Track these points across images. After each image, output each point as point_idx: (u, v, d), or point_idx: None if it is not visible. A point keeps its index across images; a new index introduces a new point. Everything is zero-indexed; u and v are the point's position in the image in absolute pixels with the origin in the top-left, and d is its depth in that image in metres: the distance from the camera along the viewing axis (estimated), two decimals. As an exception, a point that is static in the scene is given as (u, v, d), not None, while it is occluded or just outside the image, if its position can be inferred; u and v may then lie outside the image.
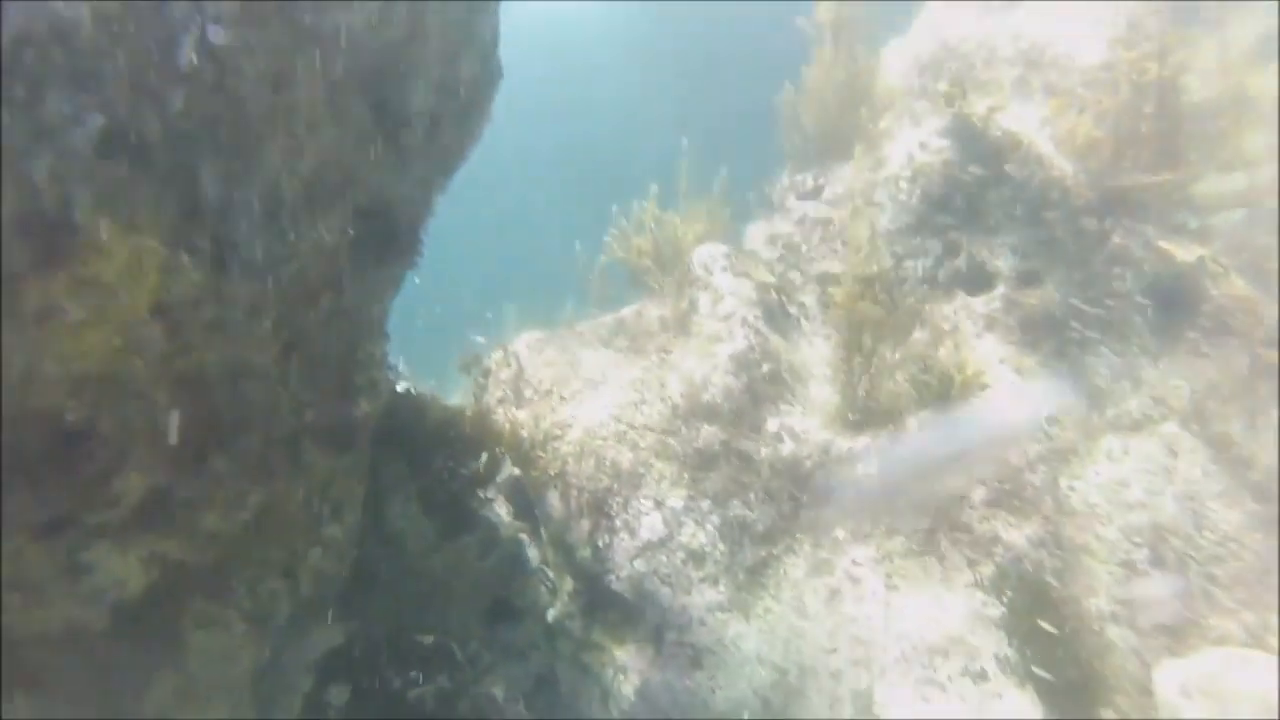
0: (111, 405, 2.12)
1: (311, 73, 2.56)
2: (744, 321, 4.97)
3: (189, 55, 2.07)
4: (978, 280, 5.10)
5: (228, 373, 2.67)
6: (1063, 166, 4.98)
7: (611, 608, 4.73)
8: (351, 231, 3.05)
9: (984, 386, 4.48)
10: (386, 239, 3.54)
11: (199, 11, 2.12)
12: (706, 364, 4.91)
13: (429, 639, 4.20)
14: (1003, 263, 5.00)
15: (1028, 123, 5.15)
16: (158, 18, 2.05)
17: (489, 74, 3.80)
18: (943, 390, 4.42)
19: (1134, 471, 4.74)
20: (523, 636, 5.05)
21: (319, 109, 2.68)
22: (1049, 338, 4.95)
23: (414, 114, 3.27)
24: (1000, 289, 5.00)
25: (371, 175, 3.21)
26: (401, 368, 9.36)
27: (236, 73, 2.26)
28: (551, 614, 5.08)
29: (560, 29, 21.12)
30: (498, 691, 4.43)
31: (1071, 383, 4.94)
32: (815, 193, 5.69)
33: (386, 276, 3.75)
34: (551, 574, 5.20)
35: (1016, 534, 4.20)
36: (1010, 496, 4.27)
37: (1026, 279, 5.00)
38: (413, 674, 4.03)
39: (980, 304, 5.04)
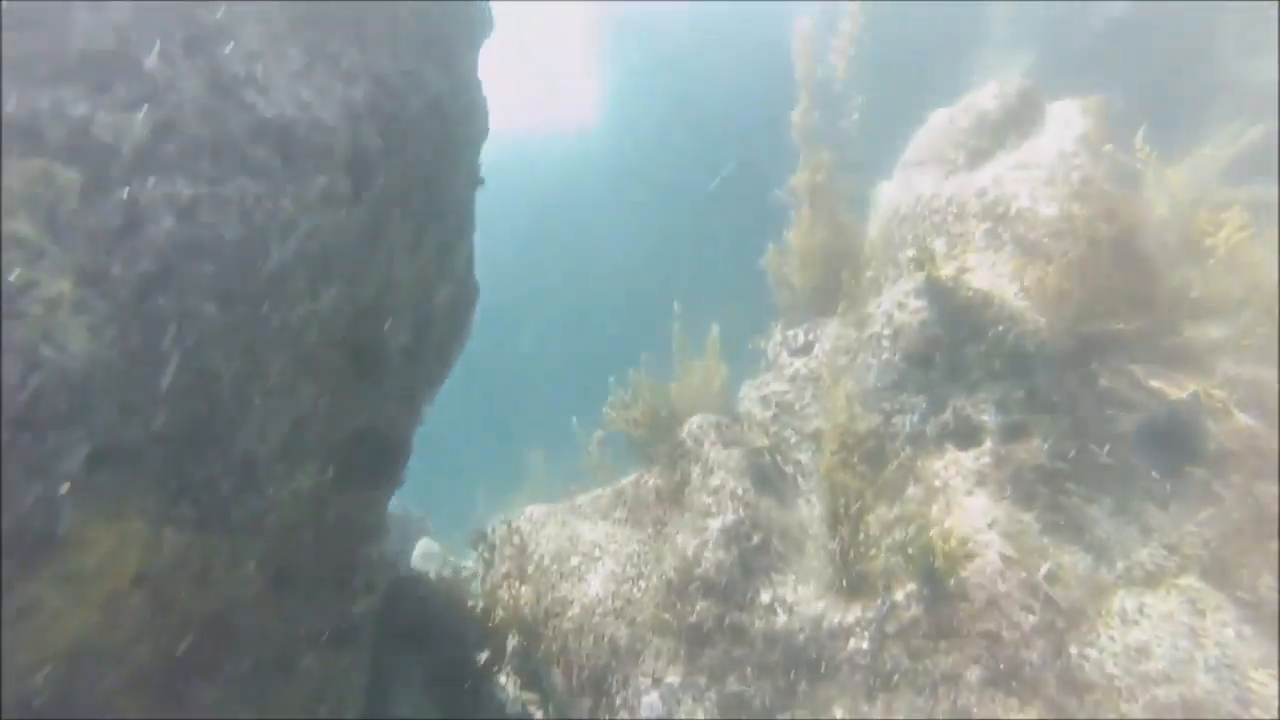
0: (87, 675, 2.46)
1: (283, 351, 3.03)
2: (733, 494, 5.10)
3: (170, 378, 2.54)
4: (966, 435, 5.10)
5: (214, 614, 3.02)
6: (1035, 319, 5.05)
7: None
8: (332, 471, 3.45)
9: (970, 557, 4.41)
10: (374, 459, 3.94)
11: (181, 339, 2.62)
12: (698, 538, 5.03)
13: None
14: (988, 418, 5.00)
15: (1000, 275, 5.29)
16: (149, 353, 2.54)
17: (466, 296, 4.29)
18: (926, 564, 4.38)
19: (1155, 636, 4.47)
20: (531, 821, 5.03)
21: (292, 376, 3.13)
22: (1043, 490, 4.85)
23: (391, 352, 3.74)
24: (988, 444, 4.98)
25: (352, 413, 3.65)
26: (420, 512, 9.78)
27: (215, 378, 2.73)
28: (560, 795, 5.06)
29: (555, 194, 23.19)
30: None
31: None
32: (806, 349, 5.90)
33: (380, 490, 4.13)
34: (560, 751, 5.22)
35: None
36: (1007, 676, 4.11)
37: (1013, 433, 4.97)
38: None
39: (969, 459, 5.01)
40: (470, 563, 6.76)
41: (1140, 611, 4.54)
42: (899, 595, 4.52)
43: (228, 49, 2.77)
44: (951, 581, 4.37)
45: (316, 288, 3.01)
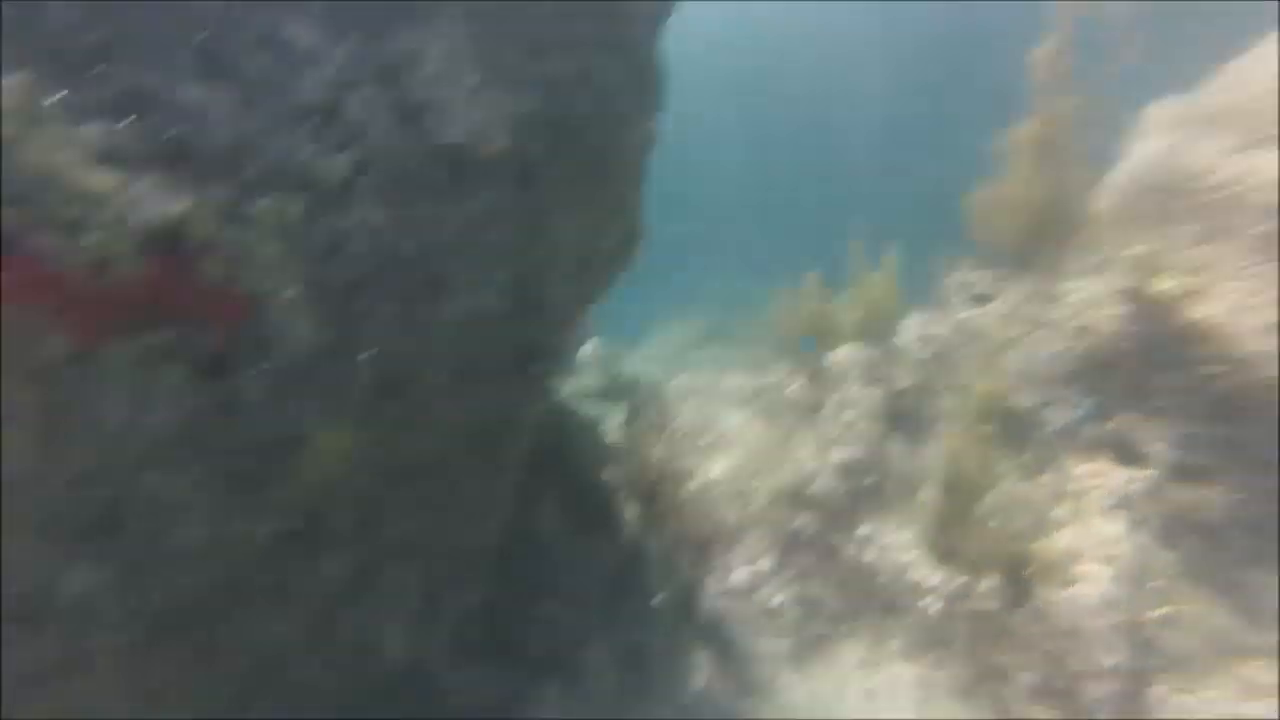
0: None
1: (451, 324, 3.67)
2: (861, 435, 5.34)
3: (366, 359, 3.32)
4: (1127, 456, 4.70)
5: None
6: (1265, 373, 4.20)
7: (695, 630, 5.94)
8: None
9: (1070, 582, 4.38)
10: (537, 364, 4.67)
11: (371, 331, 3.33)
12: (818, 461, 5.46)
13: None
14: (1161, 449, 4.54)
15: (1254, 299, 4.30)
16: (352, 341, 3.31)
17: (631, 239, 4.51)
18: (1017, 569, 4.49)
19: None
20: (631, 610, 6.53)
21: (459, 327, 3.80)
22: (1203, 541, 4.47)
23: (550, 299, 4.23)
24: (1152, 473, 4.60)
25: (514, 337, 4.31)
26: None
27: (395, 356, 3.48)
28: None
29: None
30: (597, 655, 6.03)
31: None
32: (982, 300, 5.43)
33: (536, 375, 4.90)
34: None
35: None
36: (1059, 695, 4.37)
37: (1188, 474, 4.49)
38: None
39: (1122, 477, 4.70)
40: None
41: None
42: (983, 584, 4.75)
43: (413, 76, 3.02)
44: (1038, 598, 4.50)
45: (478, 284, 3.52)
